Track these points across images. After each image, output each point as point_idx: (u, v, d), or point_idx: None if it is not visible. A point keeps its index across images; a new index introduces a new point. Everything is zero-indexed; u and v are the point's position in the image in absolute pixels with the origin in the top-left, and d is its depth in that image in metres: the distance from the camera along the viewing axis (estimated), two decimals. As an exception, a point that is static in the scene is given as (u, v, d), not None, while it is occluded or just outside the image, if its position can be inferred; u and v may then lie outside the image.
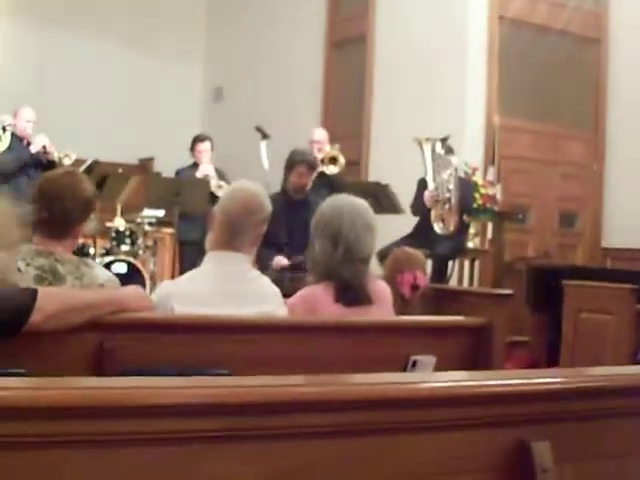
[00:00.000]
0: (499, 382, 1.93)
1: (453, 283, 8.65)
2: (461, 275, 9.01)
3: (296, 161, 7.26)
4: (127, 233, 8.95)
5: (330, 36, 12.13)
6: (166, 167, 10.85)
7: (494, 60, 10.36)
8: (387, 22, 11.09)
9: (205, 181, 8.68)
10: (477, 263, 9.27)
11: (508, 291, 4.11)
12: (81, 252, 8.55)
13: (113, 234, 8.89)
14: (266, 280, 3.67)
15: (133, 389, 1.66)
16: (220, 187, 8.63)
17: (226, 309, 3.37)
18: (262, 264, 7.11)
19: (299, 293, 3.70)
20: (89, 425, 1.58)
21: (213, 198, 8.23)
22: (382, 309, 3.73)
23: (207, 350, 3.23)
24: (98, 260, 8.54)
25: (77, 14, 13.06)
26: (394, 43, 10.94)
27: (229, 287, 3.45)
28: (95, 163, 8.54)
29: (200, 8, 14.45)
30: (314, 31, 12.19)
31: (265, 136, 8.84)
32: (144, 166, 13.29)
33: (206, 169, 9.00)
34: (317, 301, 3.62)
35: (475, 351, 3.82)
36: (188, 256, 8.18)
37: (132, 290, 3.22)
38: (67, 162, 8.56)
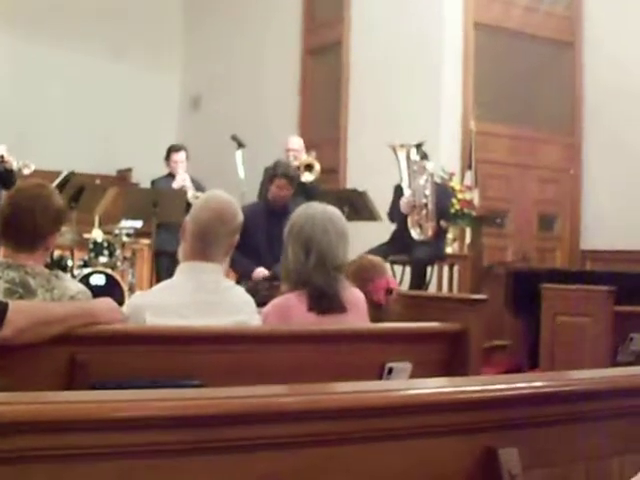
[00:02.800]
0: (465, 389, 1.92)
1: (432, 289, 8.66)
2: (440, 281, 9.01)
3: (278, 174, 7.30)
4: (105, 244, 8.91)
5: (306, 43, 12.14)
6: (144, 178, 10.83)
7: (469, 65, 10.39)
8: (362, 28, 11.10)
9: (182, 191, 8.66)
10: (456, 268, 9.29)
11: (482, 296, 4.10)
12: (59, 264, 8.52)
13: (91, 245, 8.85)
14: (239, 290, 3.65)
15: (97, 403, 1.64)
16: (197, 198, 8.59)
17: (199, 320, 3.35)
18: (243, 274, 7.12)
19: (272, 302, 3.69)
20: (52, 439, 1.57)
21: (190, 209, 8.21)
22: (356, 316, 3.72)
23: (180, 361, 3.20)
24: (76, 272, 8.52)
25: (52, 25, 13.03)
26: (369, 49, 10.95)
27: (202, 297, 3.43)
28: (71, 174, 8.50)
29: (176, 17, 14.44)
30: (290, 38, 12.20)
31: (241, 145, 8.83)
32: (122, 177, 13.27)
33: (182, 179, 8.98)
34: (290, 310, 3.60)
35: (451, 357, 3.82)
36: (165, 266, 8.16)
37: (103, 302, 3.20)
38: (26, 172, 8.50)
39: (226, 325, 3.40)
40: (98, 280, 8.50)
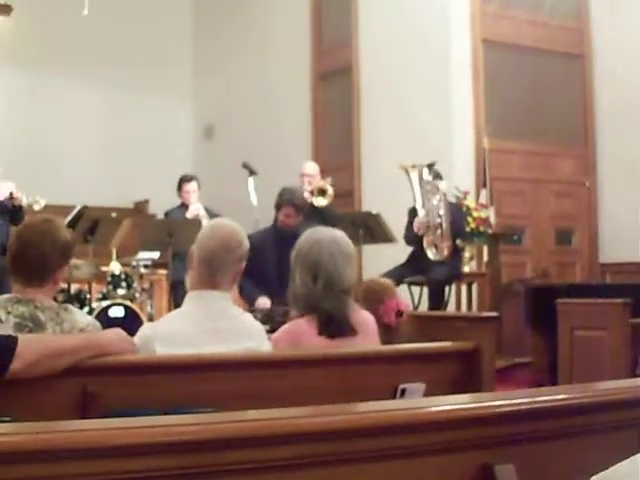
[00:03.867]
0: (460, 406, 1.92)
1: (451, 308, 8.65)
2: (459, 300, 8.99)
3: (283, 201, 7.29)
4: (123, 277, 8.95)
5: (316, 68, 12.19)
6: (161, 209, 10.88)
7: (479, 83, 10.40)
8: (371, 51, 11.14)
9: (196, 221, 8.69)
10: (475, 287, 9.27)
11: (494, 313, 4.09)
12: (77, 298, 8.57)
13: (109, 278, 8.89)
14: (248, 316, 3.66)
15: (101, 430, 1.66)
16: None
17: (209, 347, 3.36)
18: (248, 301, 7.12)
19: (283, 328, 3.70)
20: (57, 468, 1.59)
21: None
22: (367, 339, 3.72)
23: (192, 390, 3.21)
24: (95, 305, 8.55)
25: (65, 60, 13.14)
26: (379, 72, 10.99)
27: (211, 325, 3.44)
28: (84, 209, 8.55)
29: (186, 47, 14.54)
30: (299, 64, 12.25)
31: (252, 172, 8.85)
32: (139, 209, 13.33)
33: (196, 209, 9.04)
34: (301, 335, 3.61)
35: (465, 376, 3.80)
36: (182, 296, 8.15)
37: (113, 333, 3.21)
38: (37, 208, 8.59)
39: (236, 352, 3.41)
40: (117, 312, 8.53)
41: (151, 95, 13.81)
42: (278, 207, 7.35)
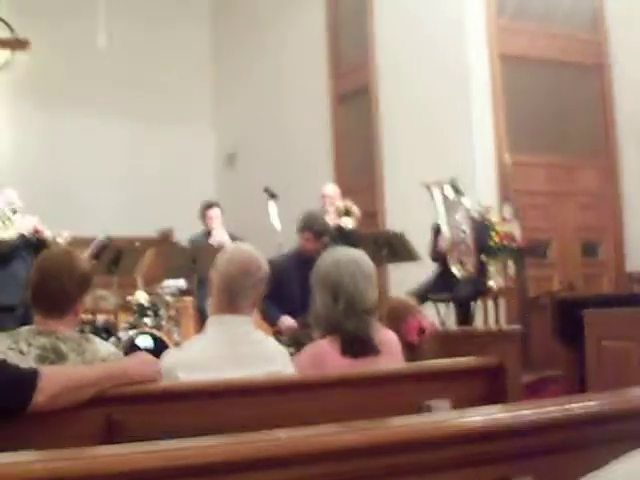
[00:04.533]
0: (476, 419, 1.91)
1: (478, 324, 8.61)
2: (486, 315, 8.95)
3: (304, 227, 7.36)
4: (149, 305, 8.96)
5: (334, 90, 12.22)
6: (186, 237, 10.91)
7: (499, 98, 10.39)
8: (388, 70, 11.16)
9: (221, 247, 8.69)
10: (502, 302, 9.22)
11: (517, 327, 4.07)
12: (104, 328, 8.60)
13: (135, 307, 8.91)
14: (271, 340, 3.66)
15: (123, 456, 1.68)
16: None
17: (232, 372, 3.35)
18: (270, 322, 7.13)
19: (305, 350, 3.69)
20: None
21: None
22: (390, 358, 3.70)
23: (216, 415, 3.20)
24: (122, 334, 8.56)
25: (81, 94, 13.23)
26: (398, 91, 11.00)
27: (233, 350, 3.44)
28: (108, 240, 8.60)
29: (205, 75, 14.62)
30: (318, 86, 12.28)
31: (273, 196, 8.87)
32: (164, 237, 13.37)
33: (220, 234, 9.06)
34: (324, 356, 3.60)
35: (490, 391, 3.78)
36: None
37: (137, 360, 3.22)
38: (60, 240, 8.61)
39: (259, 376, 3.40)
40: (144, 341, 8.53)
41: (172, 124, 13.88)
42: (299, 232, 7.41)
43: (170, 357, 3.52)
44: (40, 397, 2.77)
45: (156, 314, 8.98)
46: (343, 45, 12.30)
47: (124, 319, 9.05)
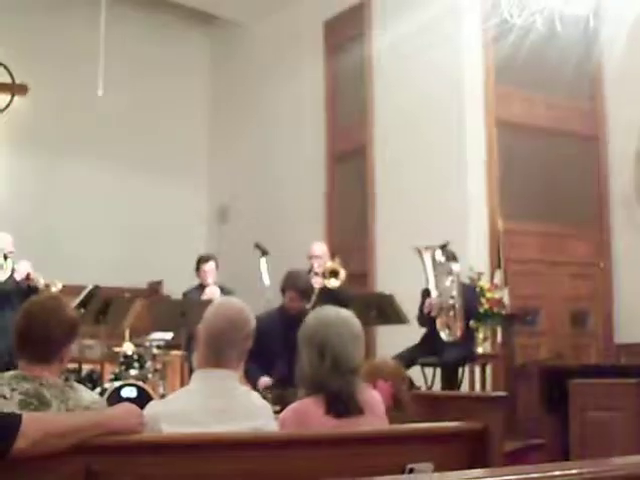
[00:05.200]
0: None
1: (464, 389, 8.59)
2: (472, 381, 8.94)
3: (288, 286, 7.40)
4: (135, 357, 8.93)
5: (330, 149, 12.29)
6: (175, 289, 10.92)
7: (494, 164, 10.46)
8: (385, 133, 11.24)
9: (210, 301, 8.69)
10: (488, 368, 9.21)
11: (502, 393, 4.07)
12: (90, 378, 8.57)
13: (121, 359, 8.87)
14: (255, 395, 3.65)
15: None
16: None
17: (215, 426, 3.34)
18: (252, 382, 7.12)
19: (289, 407, 3.68)
20: None
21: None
22: (374, 418, 3.69)
23: (198, 469, 3.19)
24: (107, 385, 8.53)
25: (80, 142, 13.30)
26: (393, 153, 11.07)
27: (217, 404, 3.43)
28: (96, 288, 8.59)
29: (201, 130, 14.71)
30: (314, 145, 12.36)
31: (264, 253, 8.90)
32: (153, 290, 13.37)
33: (212, 291, 9.07)
34: (307, 415, 3.58)
35: (473, 456, 3.77)
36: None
37: (120, 409, 3.21)
38: (53, 289, 8.60)
39: (242, 431, 3.39)
40: (129, 393, 8.48)
41: (166, 177, 13.95)
42: (283, 290, 7.45)
43: (153, 408, 3.51)
44: (21, 442, 2.77)
45: (142, 366, 8.94)
46: (341, 104, 12.39)
47: (110, 369, 9.01)
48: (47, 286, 8.83)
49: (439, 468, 3.61)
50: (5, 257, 8.58)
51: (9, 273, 8.57)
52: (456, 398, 4.55)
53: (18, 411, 3.01)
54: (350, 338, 3.64)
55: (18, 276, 8.83)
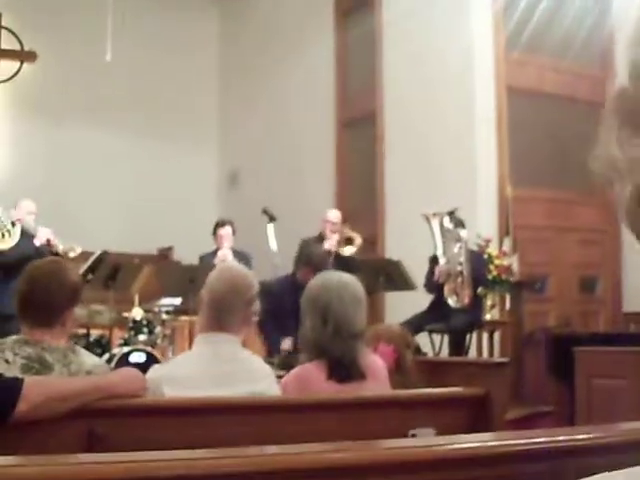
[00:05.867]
0: (465, 445, 1.91)
1: (472, 356, 8.59)
2: (480, 348, 8.94)
3: (304, 263, 7.43)
4: (144, 322, 8.95)
5: (340, 116, 12.25)
6: (186, 255, 10.93)
7: (503, 131, 10.41)
8: (395, 98, 11.19)
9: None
10: (496, 335, 9.22)
11: (504, 359, 4.07)
12: (99, 343, 8.59)
13: (130, 324, 8.90)
14: (257, 360, 3.67)
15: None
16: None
17: (216, 390, 3.36)
18: (272, 348, 7.16)
19: (292, 372, 3.69)
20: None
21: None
22: (376, 384, 3.70)
23: (198, 433, 3.20)
24: (116, 350, 8.56)
25: (89, 109, 13.28)
26: (403, 119, 11.03)
27: (218, 368, 3.44)
28: (104, 254, 8.60)
29: (211, 95, 14.66)
30: (324, 112, 12.32)
31: (272, 218, 8.91)
32: (163, 255, 13.39)
33: (224, 255, 9.07)
34: (309, 379, 3.59)
35: (475, 422, 3.78)
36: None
37: (122, 374, 3.23)
38: (72, 255, 8.60)
39: (243, 395, 3.41)
40: (138, 358, 8.51)
41: (176, 143, 13.92)
42: (298, 264, 7.48)
43: (156, 373, 3.53)
44: (23, 406, 2.78)
45: (151, 332, 8.97)
46: (350, 71, 12.35)
47: (119, 335, 9.04)
48: (65, 252, 8.85)
49: (441, 434, 3.62)
50: (13, 224, 8.58)
51: (16, 240, 8.55)
52: (459, 364, 4.56)
53: (20, 375, 3.02)
54: (352, 303, 3.64)
55: (38, 242, 8.86)
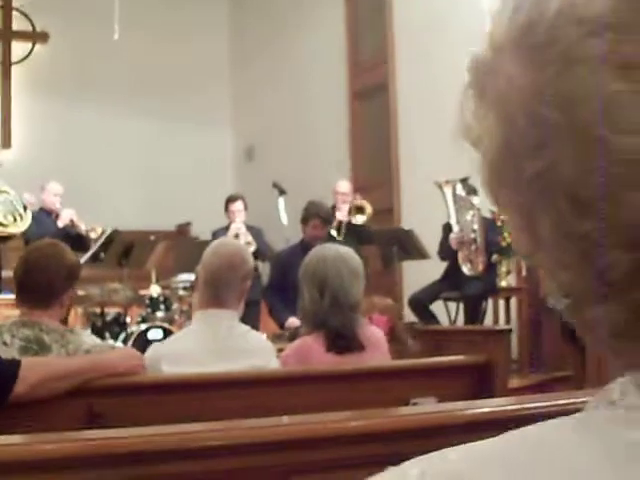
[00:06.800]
0: (499, 408, 1.92)
1: (488, 323, 8.58)
2: (496, 315, 8.92)
3: (311, 214, 7.40)
4: (161, 299, 8.98)
5: (352, 86, 12.21)
6: (204, 231, 10.95)
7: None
8: (407, 68, 11.13)
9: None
10: (513, 301, 9.19)
11: (507, 327, 4.07)
12: (117, 322, 8.65)
13: (147, 301, 8.94)
14: (255, 334, 3.69)
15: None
16: (249, 244, 8.69)
17: (215, 366, 3.38)
18: (278, 322, 7.18)
19: (291, 345, 3.71)
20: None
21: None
22: (376, 354, 3.70)
23: (198, 409, 3.22)
24: (134, 328, 8.60)
25: (101, 88, 13.28)
26: (416, 89, 10.96)
27: (217, 344, 3.46)
28: (115, 232, 8.64)
29: (224, 69, 14.64)
30: (336, 82, 12.28)
31: (282, 192, 8.92)
32: (182, 232, 13.42)
33: (236, 228, 9.08)
34: (309, 352, 3.61)
35: (477, 390, 3.78)
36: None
37: (120, 353, 3.27)
38: (93, 235, 8.67)
39: (242, 370, 3.43)
40: (155, 335, 8.54)
41: (191, 118, 13.89)
42: (305, 221, 7.47)
43: (154, 350, 3.56)
44: (21, 387, 2.81)
45: (168, 308, 9.00)
46: (362, 41, 12.28)
47: (137, 312, 9.09)
48: (87, 232, 8.92)
49: (443, 402, 3.62)
50: (25, 208, 8.62)
51: (27, 224, 8.58)
52: (461, 332, 4.56)
53: (18, 357, 3.05)
54: (349, 274, 3.64)
55: (61, 223, 8.94)
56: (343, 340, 3.61)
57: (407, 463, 0.61)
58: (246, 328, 3.68)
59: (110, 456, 1.96)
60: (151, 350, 3.55)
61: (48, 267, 3.40)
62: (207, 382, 3.31)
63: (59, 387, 2.95)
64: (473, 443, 0.62)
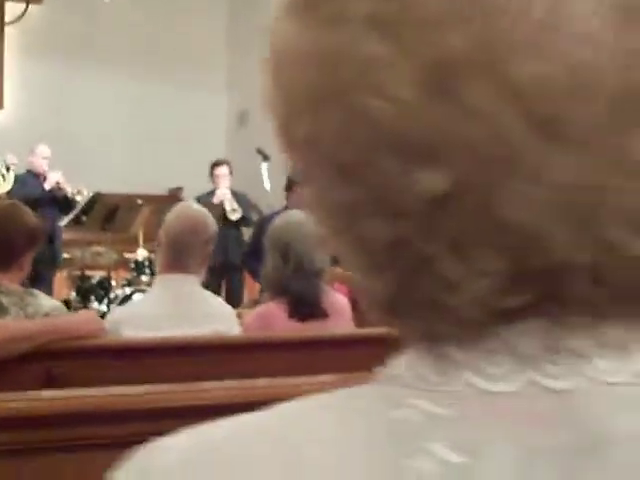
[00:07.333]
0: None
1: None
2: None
3: (294, 182, 7.35)
4: (146, 263, 8.96)
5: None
6: (195, 195, 10.92)
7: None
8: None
9: (218, 205, 8.71)
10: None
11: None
12: (101, 285, 8.63)
13: (132, 265, 8.91)
14: (217, 300, 3.67)
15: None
16: (234, 210, 8.67)
17: (175, 331, 3.36)
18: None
19: (254, 311, 3.69)
20: None
21: (227, 222, 8.36)
22: (340, 322, 3.68)
23: (159, 372, 3.21)
24: (119, 291, 8.58)
25: (95, 50, 13.20)
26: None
27: (178, 309, 3.45)
28: (97, 195, 8.60)
29: (219, 33, 14.53)
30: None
31: (266, 158, 8.86)
32: (173, 196, 13.35)
33: (222, 194, 9.05)
34: (271, 318, 3.58)
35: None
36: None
37: (80, 316, 3.25)
38: (79, 198, 8.63)
39: (201, 334, 3.41)
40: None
41: (184, 82, 13.79)
42: (288, 188, 7.43)
43: (115, 314, 3.55)
44: None
45: (153, 272, 8.95)
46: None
47: (122, 277, 9.06)
48: (74, 195, 8.89)
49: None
50: (8, 169, 8.59)
51: (9, 186, 8.56)
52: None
53: (-25, 318, 3.04)
54: (314, 241, 3.62)
55: (48, 185, 8.91)
56: (306, 307, 3.59)
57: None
58: (208, 293, 3.67)
59: (68, 415, 1.96)
60: (112, 314, 3.55)
61: (7, 228, 3.36)
62: (168, 346, 3.30)
63: (16, 349, 2.94)
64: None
